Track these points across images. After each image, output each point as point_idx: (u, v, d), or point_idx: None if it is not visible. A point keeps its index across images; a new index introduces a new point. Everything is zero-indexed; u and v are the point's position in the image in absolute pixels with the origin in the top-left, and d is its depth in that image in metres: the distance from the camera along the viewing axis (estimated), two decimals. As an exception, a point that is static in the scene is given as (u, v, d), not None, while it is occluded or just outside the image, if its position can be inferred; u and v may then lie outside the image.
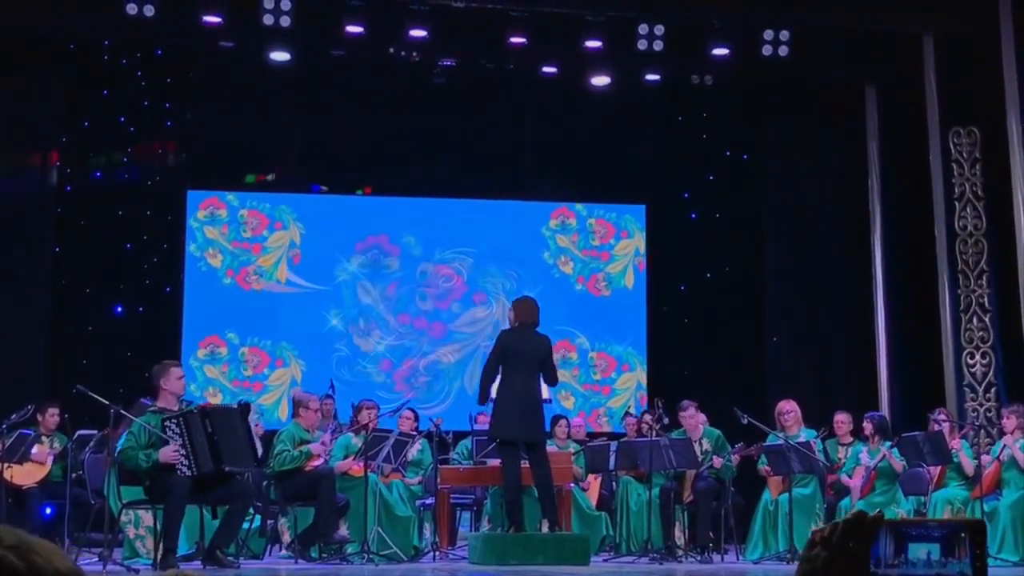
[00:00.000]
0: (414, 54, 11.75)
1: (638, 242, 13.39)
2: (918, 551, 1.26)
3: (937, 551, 1.26)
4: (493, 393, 8.73)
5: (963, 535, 1.26)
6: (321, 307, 12.84)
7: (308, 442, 8.89)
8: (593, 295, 13.28)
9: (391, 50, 11.78)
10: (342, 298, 12.89)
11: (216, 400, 11.89)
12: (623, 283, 13.32)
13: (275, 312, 12.79)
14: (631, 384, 13.17)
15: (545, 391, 8.94)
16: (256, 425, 8.10)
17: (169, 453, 7.31)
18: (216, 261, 12.74)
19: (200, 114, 12.76)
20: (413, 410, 10.31)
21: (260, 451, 7.85)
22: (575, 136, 13.20)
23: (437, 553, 9.16)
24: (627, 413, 11.96)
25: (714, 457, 9.56)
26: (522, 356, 8.49)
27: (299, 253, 12.87)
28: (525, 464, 8.64)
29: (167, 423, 7.38)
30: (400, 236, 13.02)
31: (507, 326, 8.97)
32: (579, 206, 13.35)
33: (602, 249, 13.35)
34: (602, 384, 13.19)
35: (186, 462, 7.33)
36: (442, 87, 12.54)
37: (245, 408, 7.79)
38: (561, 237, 13.30)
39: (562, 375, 11.61)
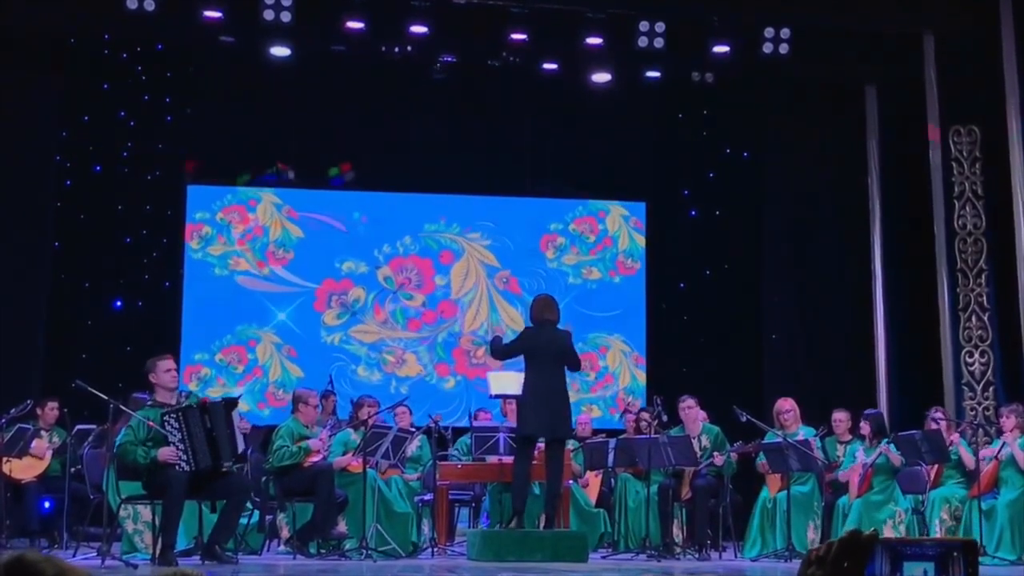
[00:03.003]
0: (409, 48, 11.73)
1: (619, 211, 13.46)
2: (913, 569, 1.27)
3: (932, 569, 1.27)
4: (494, 390, 8.78)
5: (956, 554, 1.27)
6: (312, 301, 12.90)
7: (307, 438, 8.90)
8: (630, 275, 13.37)
9: (388, 47, 11.77)
10: (356, 355, 12.87)
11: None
12: (639, 250, 13.40)
13: (274, 303, 12.81)
14: (619, 358, 13.25)
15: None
16: (242, 420, 8.10)
17: (168, 453, 7.31)
18: (244, 264, 12.80)
19: (200, 109, 12.75)
20: (408, 407, 10.32)
21: (241, 447, 7.82)
22: (575, 133, 13.20)
23: (435, 549, 9.17)
24: (626, 410, 11.98)
25: (715, 454, 9.57)
26: (544, 353, 8.52)
27: (290, 208, 12.91)
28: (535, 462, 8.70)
29: (167, 417, 7.39)
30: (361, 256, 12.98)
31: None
32: (554, 224, 13.34)
33: (600, 239, 13.40)
34: (600, 377, 13.23)
35: (184, 457, 7.34)
36: (442, 83, 12.54)
37: (231, 403, 7.78)
38: (567, 258, 13.34)
39: (572, 397, 11.93)
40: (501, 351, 8.81)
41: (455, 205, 13.24)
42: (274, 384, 12.67)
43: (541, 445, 8.81)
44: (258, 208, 12.91)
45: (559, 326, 8.78)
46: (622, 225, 13.45)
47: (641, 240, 13.43)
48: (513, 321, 12.78)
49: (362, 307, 12.93)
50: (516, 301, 13.10)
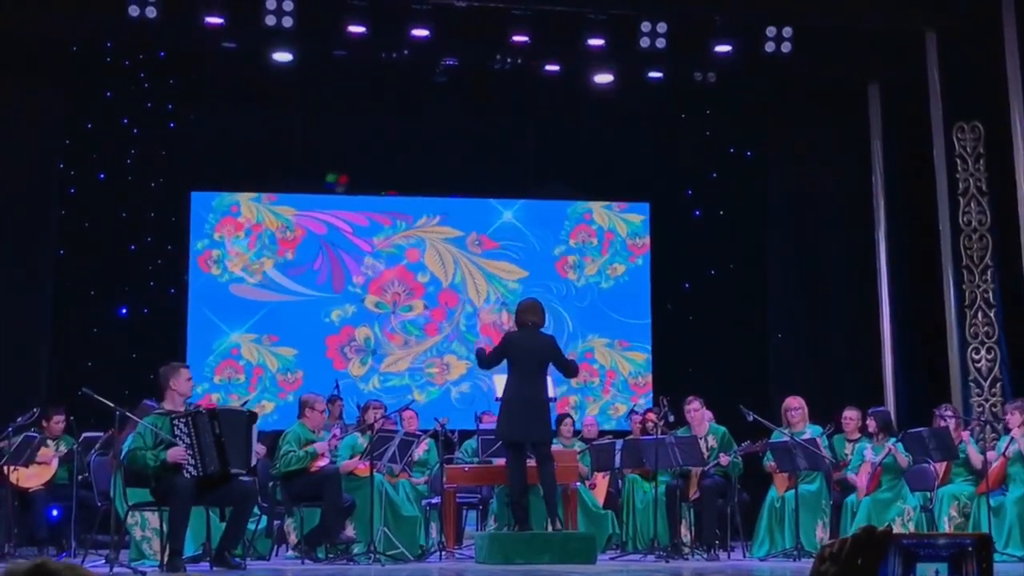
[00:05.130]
0: (410, 52, 11.73)
1: (599, 204, 13.47)
2: (926, 570, 1.27)
3: (945, 570, 1.26)
4: (499, 393, 8.80)
5: (971, 551, 1.26)
6: (320, 310, 12.90)
7: (314, 443, 8.89)
8: (646, 254, 13.46)
9: (390, 50, 11.78)
10: (403, 386, 12.85)
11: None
12: (639, 227, 13.47)
13: (280, 308, 12.82)
14: (606, 353, 13.29)
15: (551, 389, 8.97)
16: (258, 444, 8.13)
17: (177, 454, 7.33)
18: (268, 263, 12.83)
19: (203, 115, 12.77)
20: (415, 411, 10.32)
21: (254, 462, 7.87)
22: (578, 134, 13.21)
23: (443, 553, 9.18)
24: (632, 411, 11.98)
25: (720, 455, 9.56)
26: (526, 357, 8.50)
27: (273, 196, 12.95)
28: (531, 463, 8.68)
29: (176, 422, 7.41)
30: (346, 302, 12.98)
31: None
32: (558, 248, 13.34)
33: (602, 237, 13.43)
34: (603, 378, 13.24)
35: (193, 462, 7.36)
36: (444, 86, 12.55)
37: (253, 416, 7.83)
38: (588, 269, 13.37)
39: (593, 409, 11.71)
40: (485, 362, 8.83)
41: (394, 205, 13.22)
42: (279, 372, 12.73)
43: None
44: (243, 211, 12.93)
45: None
46: (610, 216, 13.52)
47: (635, 218, 13.50)
48: (509, 273, 12.95)
49: (377, 342, 12.92)
50: (499, 255, 13.19)
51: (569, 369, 8.75)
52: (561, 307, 13.05)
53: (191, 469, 7.35)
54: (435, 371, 12.97)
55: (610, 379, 13.25)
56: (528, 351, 8.52)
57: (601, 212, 13.48)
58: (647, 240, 13.46)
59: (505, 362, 8.93)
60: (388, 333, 12.97)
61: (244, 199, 12.93)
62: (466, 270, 13.15)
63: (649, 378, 13.23)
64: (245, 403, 10.09)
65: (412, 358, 12.98)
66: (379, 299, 12.99)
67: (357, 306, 12.95)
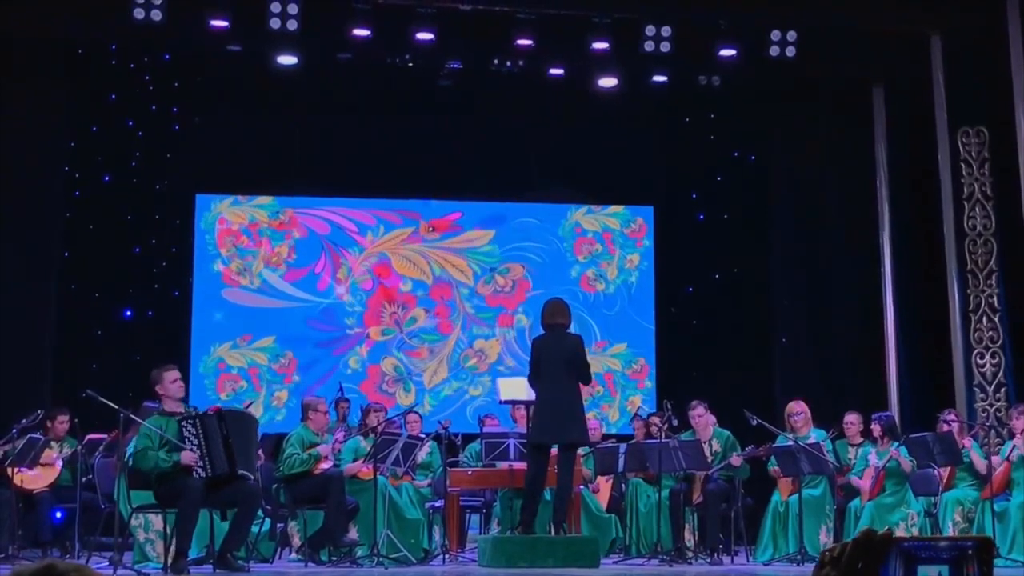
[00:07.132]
0: (413, 56, 11.74)
1: (580, 213, 13.47)
2: (927, 573, 1.26)
3: (946, 572, 1.26)
4: (503, 395, 8.79)
5: (971, 554, 1.26)
6: (322, 311, 12.89)
7: (317, 445, 8.90)
8: (646, 235, 13.50)
9: (394, 54, 11.79)
10: (459, 390, 12.85)
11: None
12: (627, 215, 13.50)
13: (280, 313, 12.83)
14: (590, 360, 13.24)
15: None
16: (258, 451, 8.16)
17: (189, 457, 7.34)
18: (280, 260, 12.86)
19: (208, 118, 12.78)
20: (418, 414, 10.32)
21: (257, 465, 7.92)
22: (582, 138, 13.20)
23: (446, 556, 9.17)
24: (635, 415, 11.98)
25: (733, 455, 9.54)
26: (553, 359, 8.43)
27: (244, 197, 12.97)
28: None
29: (184, 424, 7.41)
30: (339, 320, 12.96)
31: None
32: (574, 270, 13.34)
33: (602, 239, 13.46)
34: (604, 386, 13.23)
35: (202, 463, 7.37)
36: (448, 90, 12.55)
37: (256, 422, 7.87)
38: (610, 273, 13.38)
39: (614, 415, 11.71)
40: (532, 380, 8.63)
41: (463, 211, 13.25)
42: (271, 362, 12.74)
43: (554, 451, 8.77)
44: (232, 220, 12.91)
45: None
46: (597, 219, 13.51)
47: (617, 208, 13.52)
48: (477, 239, 13.10)
49: (406, 365, 12.90)
50: (458, 231, 13.19)
51: (583, 374, 8.54)
52: (588, 315, 13.05)
53: (200, 471, 7.36)
54: (474, 362, 12.97)
55: (609, 380, 13.24)
56: (555, 353, 8.43)
57: (586, 218, 13.47)
58: (642, 223, 13.47)
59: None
60: (410, 352, 12.95)
61: (225, 205, 12.90)
62: (439, 259, 13.14)
63: (642, 361, 13.23)
64: (249, 405, 10.11)
65: (446, 362, 12.97)
66: (381, 327, 12.96)
67: (367, 344, 12.92)
